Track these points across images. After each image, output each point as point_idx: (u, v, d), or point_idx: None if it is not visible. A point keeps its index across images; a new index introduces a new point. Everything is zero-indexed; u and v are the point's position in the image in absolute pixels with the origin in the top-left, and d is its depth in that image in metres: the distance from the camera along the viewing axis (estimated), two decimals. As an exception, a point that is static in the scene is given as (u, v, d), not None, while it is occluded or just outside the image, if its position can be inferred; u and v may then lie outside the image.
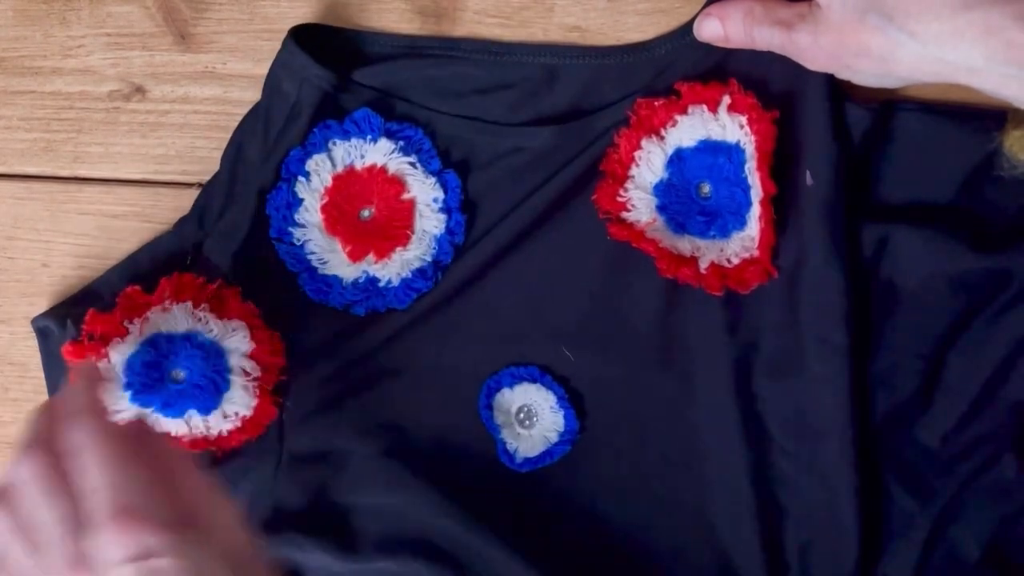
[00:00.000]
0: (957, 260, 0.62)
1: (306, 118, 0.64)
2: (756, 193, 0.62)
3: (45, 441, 0.51)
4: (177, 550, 0.48)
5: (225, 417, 0.66)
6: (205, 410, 0.66)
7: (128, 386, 0.65)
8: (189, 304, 0.65)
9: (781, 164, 0.61)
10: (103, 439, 0.50)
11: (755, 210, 0.62)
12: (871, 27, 0.55)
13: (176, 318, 0.65)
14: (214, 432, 0.66)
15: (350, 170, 0.65)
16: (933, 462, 0.64)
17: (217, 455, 0.67)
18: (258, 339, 0.66)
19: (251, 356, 0.66)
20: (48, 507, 0.49)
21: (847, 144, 0.62)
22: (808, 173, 0.61)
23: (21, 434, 0.51)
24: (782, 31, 0.59)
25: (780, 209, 0.62)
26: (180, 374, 0.66)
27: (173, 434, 0.66)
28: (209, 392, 0.65)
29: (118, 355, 0.65)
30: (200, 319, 0.65)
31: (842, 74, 0.59)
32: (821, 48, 0.58)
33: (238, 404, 0.66)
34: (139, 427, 0.55)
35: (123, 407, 0.65)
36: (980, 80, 0.54)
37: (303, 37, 0.65)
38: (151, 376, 0.65)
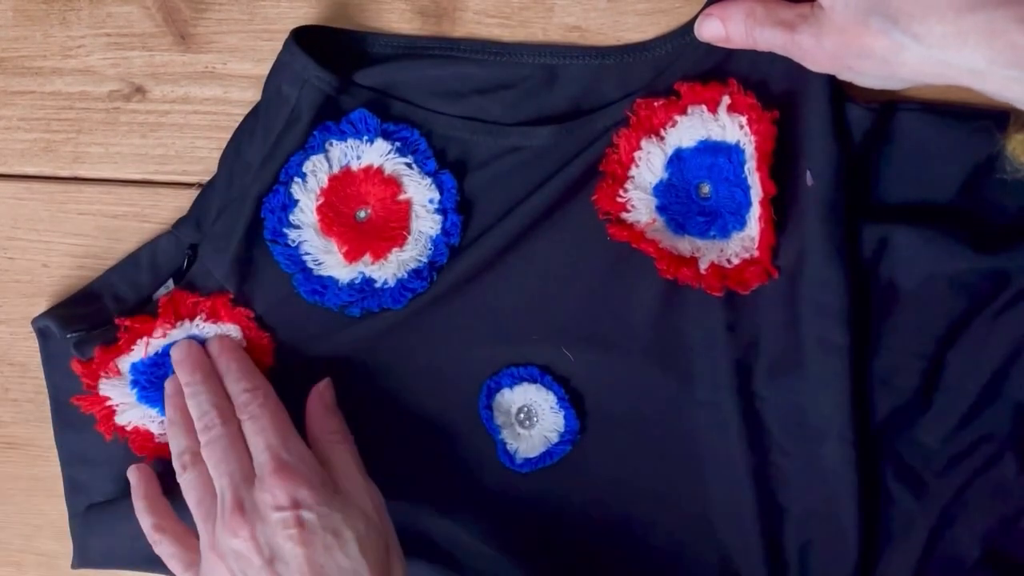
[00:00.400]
0: (957, 260, 0.62)
1: (306, 121, 0.64)
2: (756, 193, 0.62)
3: (222, 408, 0.64)
4: (321, 506, 0.60)
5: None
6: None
7: (134, 383, 0.66)
8: (186, 321, 0.66)
9: (781, 164, 0.61)
10: (272, 411, 0.63)
11: (755, 210, 0.62)
12: (874, 29, 0.55)
13: (175, 337, 0.66)
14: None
15: (346, 171, 0.65)
16: (933, 462, 0.64)
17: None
18: (249, 339, 0.66)
19: None
20: (225, 463, 0.62)
21: (847, 144, 0.62)
22: (809, 173, 0.61)
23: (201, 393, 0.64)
24: (784, 32, 0.59)
25: (780, 209, 0.62)
26: (181, 375, 0.67)
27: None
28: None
29: (124, 365, 0.66)
30: (196, 326, 0.66)
31: (844, 75, 0.59)
32: (823, 49, 0.58)
33: None
34: (313, 405, 0.66)
35: (130, 403, 0.66)
36: (983, 83, 0.54)
37: (303, 39, 0.64)
38: (155, 374, 0.66)
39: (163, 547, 0.65)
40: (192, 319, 0.66)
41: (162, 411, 0.67)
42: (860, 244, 0.63)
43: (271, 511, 0.60)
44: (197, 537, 0.63)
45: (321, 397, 0.66)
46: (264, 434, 0.62)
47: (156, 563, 0.67)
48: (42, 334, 0.68)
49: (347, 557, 0.59)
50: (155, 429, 0.68)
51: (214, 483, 0.62)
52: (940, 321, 0.63)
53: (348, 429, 0.66)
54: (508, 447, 0.67)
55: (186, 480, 0.64)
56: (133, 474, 0.67)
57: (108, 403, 0.67)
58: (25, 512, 0.74)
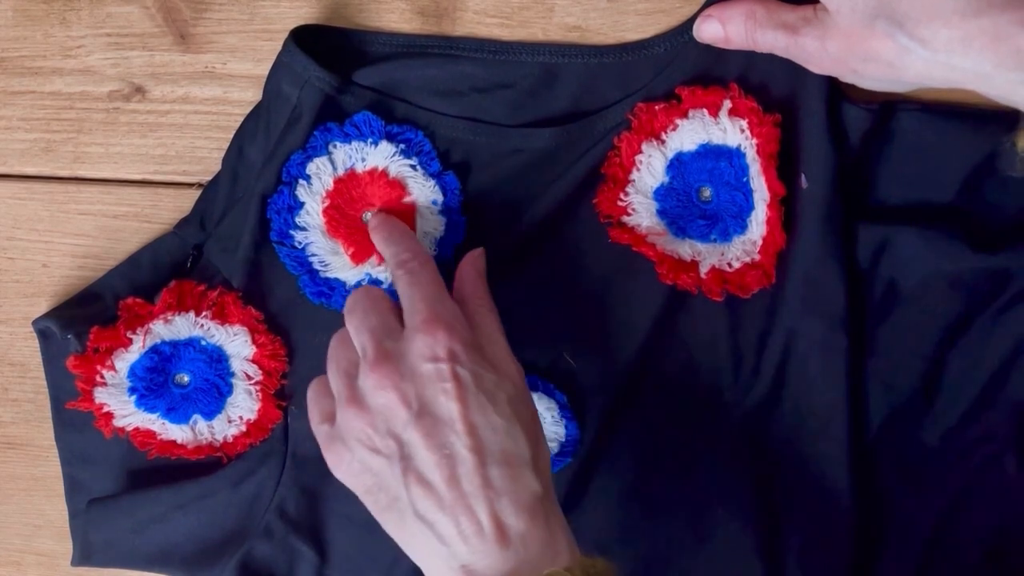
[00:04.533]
0: (957, 260, 0.62)
1: (307, 121, 0.64)
2: (761, 196, 0.62)
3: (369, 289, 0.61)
4: (475, 364, 0.56)
5: (230, 422, 0.66)
6: (209, 414, 0.66)
7: (132, 391, 0.66)
8: (191, 313, 0.65)
9: (780, 167, 0.61)
10: (432, 273, 0.60)
11: (758, 213, 0.62)
12: (880, 33, 0.55)
13: (178, 327, 0.66)
14: (219, 437, 0.67)
15: (351, 173, 0.65)
16: (933, 462, 0.64)
17: (223, 461, 0.67)
18: (259, 343, 0.66)
19: (252, 360, 0.66)
20: (365, 321, 0.58)
21: (844, 146, 0.62)
22: (803, 176, 0.61)
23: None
24: (786, 34, 0.59)
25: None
26: (184, 378, 0.67)
27: (179, 442, 0.67)
28: (212, 396, 0.66)
29: (122, 363, 0.65)
30: (202, 326, 0.66)
31: (847, 78, 0.59)
32: (828, 53, 0.58)
33: (241, 408, 0.66)
34: (465, 270, 0.63)
35: (128, 411, 0.66)
36: (989, 86, 0.54)
37: (303, 38, 0.64)
38: (154, 380, 0.66)
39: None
40: (199, 312, 0.66)
41: (163, 415, 0.66)
42: (860, 244, 0.63)
43: (422, 362, 0.56)
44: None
45: (474, 263, 0.63)
46: (420, 288, 0.59)
47: (155, 562, 0.67)
48: (43, 335, 0.68)
49: (501, 418, 0.56)
50: (156, 428, 0.67)
51: (355, 344, 0.59)
52: (940, 321, 0.63)
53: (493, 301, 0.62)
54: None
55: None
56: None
57: (105, 409, 0.66)
58: (25, 512, 0.74)
